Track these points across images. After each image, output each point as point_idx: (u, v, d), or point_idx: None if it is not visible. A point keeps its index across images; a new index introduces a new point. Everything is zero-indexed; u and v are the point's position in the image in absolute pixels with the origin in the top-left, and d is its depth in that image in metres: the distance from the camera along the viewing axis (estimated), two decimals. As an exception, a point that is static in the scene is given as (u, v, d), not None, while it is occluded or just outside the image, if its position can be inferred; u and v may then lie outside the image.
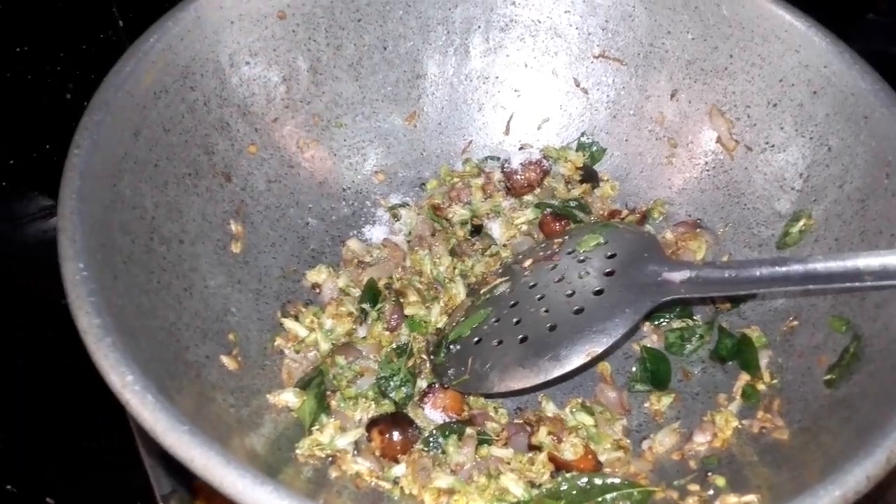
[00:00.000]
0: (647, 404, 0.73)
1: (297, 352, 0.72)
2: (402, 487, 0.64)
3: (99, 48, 0.89)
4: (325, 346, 0.72)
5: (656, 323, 0.78)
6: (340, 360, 0.71)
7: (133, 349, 0.52)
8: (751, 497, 0.55)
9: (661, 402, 0.73)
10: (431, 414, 0.71)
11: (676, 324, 0.78)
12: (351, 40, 0.83)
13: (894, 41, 1.00)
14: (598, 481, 0.62)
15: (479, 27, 0.87)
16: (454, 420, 0.70)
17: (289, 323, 0.73)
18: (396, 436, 0.67)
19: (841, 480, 0.48)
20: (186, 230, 0.70)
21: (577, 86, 0.89)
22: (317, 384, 0.68)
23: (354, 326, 0.75)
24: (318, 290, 0.78)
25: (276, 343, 0.72)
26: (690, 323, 0.77)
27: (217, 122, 0.75)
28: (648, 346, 0.76)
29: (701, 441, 0.67)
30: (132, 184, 0.64)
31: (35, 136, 0.93)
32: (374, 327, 0.74)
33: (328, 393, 0.70)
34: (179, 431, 0.47)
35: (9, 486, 0.80)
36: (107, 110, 0.63)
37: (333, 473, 0.63)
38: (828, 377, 0.64)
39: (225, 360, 0.67)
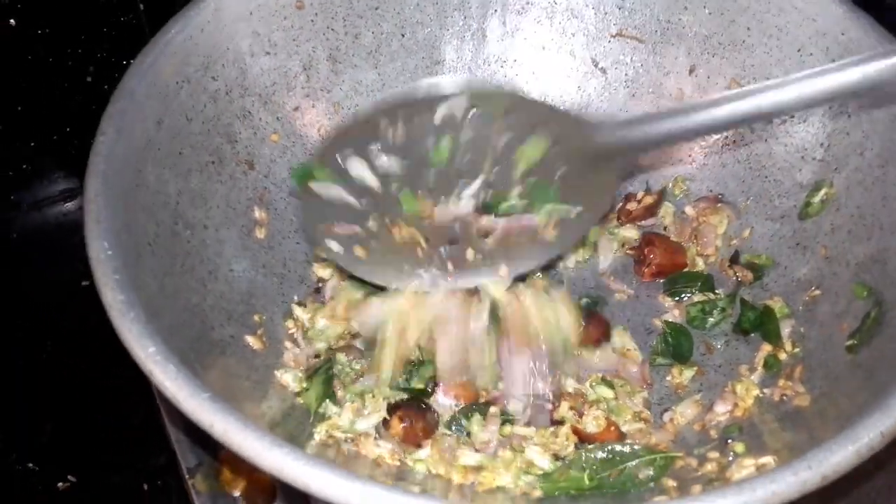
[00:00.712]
0: (668, 378, 0.73)
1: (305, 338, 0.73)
2: (428, 468, 0.65)
3: (120, 31, 0.90)
4: (320, 345, 0.72)
5: (677, 298, 0.78)
6: (341, 357, 0.71)
7: (156, 324, 0.54)
8: (767, 458, 0.55)
9: (683, 376, 0.73)
10: (444, 400, 0.70)
11: (698, 298, 0.77)
12: (369, 28, 0.85)
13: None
14: (620, 449, 0.63)
15: (496, 11, 0.88)
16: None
17: (297, 310, 0.74)
18: (418, 422, 0.66)
19: (854, 436, 0.48)
20: (210, 216, 0.72)
21: (596, 66, 0.89)
22: (325, 370, 0.69)
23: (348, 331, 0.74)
24: (321, 286, 0.78)
25: (286, 324, 0.73)
26: (712, 297, 0.77)
27: (239, 111, 0.77)
28: (670, 320, 0.76)
29: (722, 411, 0.67)
30: (156, 171, 0.67)
31: (56, 118, 0.94)
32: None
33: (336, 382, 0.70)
34: (200, 398, 0.49)
35: (31, 465, 0.82)
36: (130, 99, 0.65)
37: (354, 450, 0.64)
38: (849, 343, 0.64)
39: (250, 339, 0.68)
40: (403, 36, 0.87)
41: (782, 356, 0.70)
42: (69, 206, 1.02)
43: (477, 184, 0.67)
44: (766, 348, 0.71)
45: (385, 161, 0.66)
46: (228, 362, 0.64)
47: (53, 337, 0.93)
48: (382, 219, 0.68)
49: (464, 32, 0.89)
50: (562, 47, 0.90)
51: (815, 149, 0.76)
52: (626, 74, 0.88)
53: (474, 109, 0.64)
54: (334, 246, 0.69)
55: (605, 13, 0.87)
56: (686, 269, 0.80)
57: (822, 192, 0.75)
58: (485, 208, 0.68)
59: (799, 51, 0.77)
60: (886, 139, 0.70)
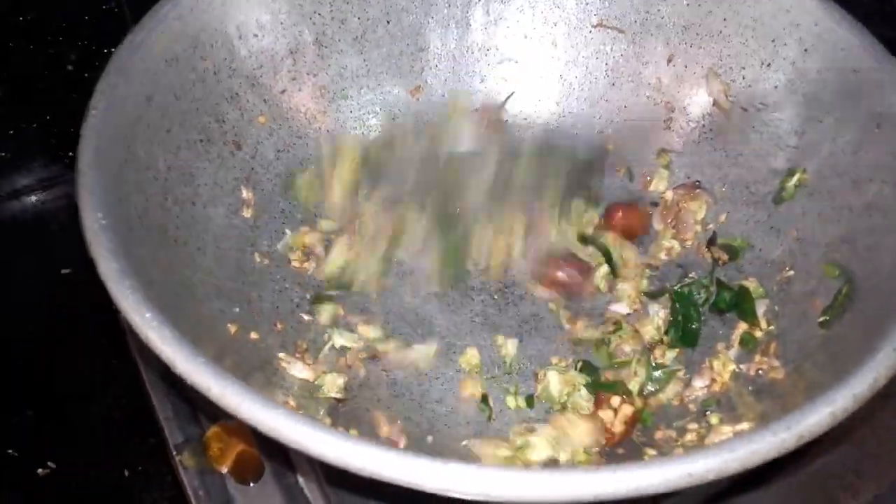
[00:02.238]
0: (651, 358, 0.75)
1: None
2: None
3: (101, 20, 0.90)
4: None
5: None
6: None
7: (151, 293, 0.54)
8: (744, 425, 0.57)
9: (665, 357, 0.74)
10: None
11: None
12: (355, 14, 0.86)
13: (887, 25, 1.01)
14: None
15: (480, 0, 0.90)
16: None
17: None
18: None
19: (830, 399, 0.50)
20: (199, 193, 0.72)
21: (577, 55, 0.91)
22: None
23: None
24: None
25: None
26: (695, 278, 0.79)
27: (227, 92, 0.78)
28: (677, 289, 0.77)
29: (700, 386, 0.69)
30: (146, 146, 0.67)
31: (35, 107, 0.94)
32: None
33: None
34: (197, 362, 0.50)
35: (10, 451, 0.82)
36: (121, 75, 0.66)
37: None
38: (821, 319, 0.66)
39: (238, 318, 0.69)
40: (389, 22, 0.88)
41: (758, 334, 0.72)
42: (47, 194, 1.01)
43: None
44: (742, 326, 0.73)
45: None
46: (218, 336, 0.64)
47: (34, 324, 0.93)
48: None
49: (448, 20, 0.90)
50: (544, 36, 0.91)
51: (789, 136, 0.79)
52: (606, 64, 0.90)
53: None
54: None
55: (587, 3, 0.89)
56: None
57: (796, 177, 0.77)
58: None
59: (773, 41, 0.80)
60: (859, 126, 0.72)
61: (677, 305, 0.76)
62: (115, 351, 0.83)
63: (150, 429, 0.76)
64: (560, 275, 0.79)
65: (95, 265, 0.55)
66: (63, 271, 0.95)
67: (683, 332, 0.74)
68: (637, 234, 0.84)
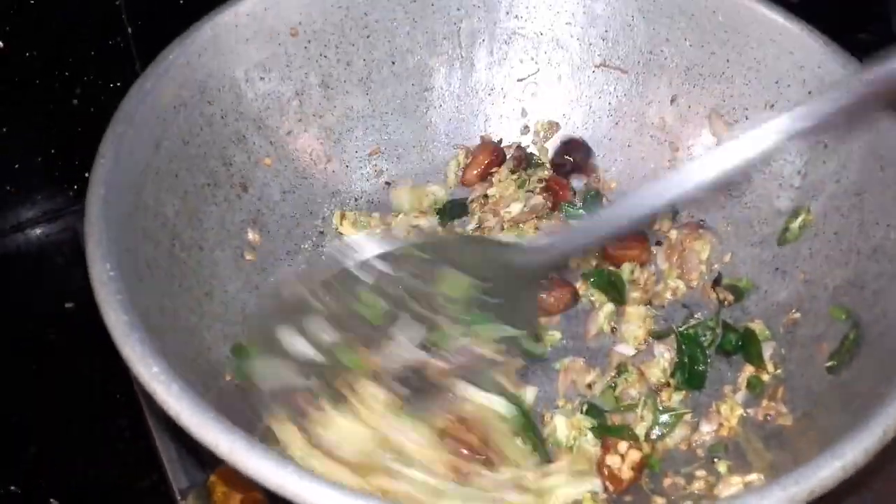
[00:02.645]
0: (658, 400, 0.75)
1: None
2: None
3: (107, 54, 0.90)
4: None
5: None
6: None
7: (158, 344, 0.54)
8: (753, 476, 0.57)
9: (672, 399, 0.74)
10: None
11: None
12: (360, 56, 0.87)
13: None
14: None
15: (484, 40, 0.91)
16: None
17: None
18: None
19: (840, 453, 0.50)
20: (206, 237, 0.73)
21: (580, 94, 0.92)
22: None
23: None
24: None
25: None
26: (701, 319, 0.79)
27: (234, 135, 0.79)
28: (682, 330, 0.77)
29: (707, 430, 0.69)
30: (154, 193, 0.68)
31: (41, 140, 0.94)
32: None
33: None
34: (205, 417, 0.50)
35: (13, 488, 0.81)
36: (129, 123, 0.66)
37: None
38: (829, 364, 0.66)
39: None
40: (394, 63, 0.89)
41: (765, 377, 0.72)
42: (52, 227, 1.01)
43: (411, 329, 0.67)
44: (749, 369, 0.73)
45: (320, 332, 0.65)
46: (225, 383, 0.64)
47: (37, 359, 0.92)
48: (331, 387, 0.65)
49: (452, 61, 0.91)
50: (547, 76, 0.92)
51: (792, 176, 0.79)
52: (609, 103, 0.91)
53: (392, 261, 0.67)
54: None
55: (590, 44, 0.90)
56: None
57: (801, 218, 0.77)
58: (428, 349, 0.67)
59: (777, 82, 0.80)
60: (862, 167, 0.73)
61: (683, 347, 0.76)
62: (118, 388, 0.82)
63: (154, 471, 0.75)
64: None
65: (103, 316, 0.55)
66: (66, 305, 0.95)
67: (690, 375, 0.74)
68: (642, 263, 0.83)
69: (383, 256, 0.67)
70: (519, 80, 0.92)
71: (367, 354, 0.66)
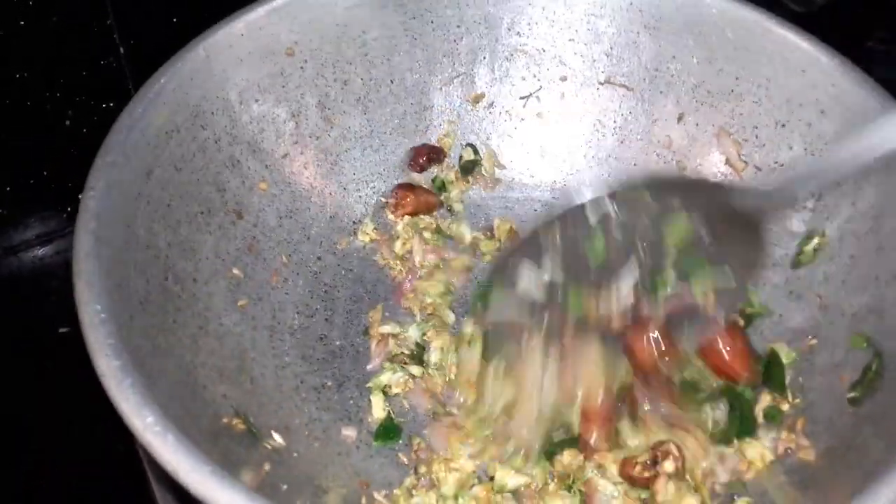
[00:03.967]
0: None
1: None
2: None
3: (100, 75, 0.88)
4: None
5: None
6: None
7: (152, 390, 0.51)
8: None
9: None
10: None
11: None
12: (358, 75, 0.84)
13: (894, 68, 1.00)
14: None
15: (485, 58, 0.88)
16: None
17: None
18: None
19: (872, 498, 0.47)
20: (200, 269, 0.70)
21: (584, 112, 0.89)
22: None
23: None
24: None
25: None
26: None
27: (228, 160, 0.76)
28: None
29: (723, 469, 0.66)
30: (146, 224, 0.65)
31: (33, 162, 0.93)
32: None
33: None
34: (203, 473, 0.47)
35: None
36: (120, 151, 0.63)
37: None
38: (851, 395, 0.64)
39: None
40: (392, 82, 0.86)
41: (784, 407, 0.69)
42: (45, 250, 0.99)
43: (634, 272, 0.68)
44: (766, 399, 0.70)
45: (550, 270, 0.69)
46: (221, 423, 0.61)
47: (30, 385, 0.90)
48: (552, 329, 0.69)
49: (452, 78, 0.88)
50: (550, 93, 0.90)
51: (806, 198, 0.77)
52: (614, 121, 0.88)
53: (619, 203, 0.69)
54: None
55: (594, 61, 0.88)
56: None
57: (815, 240, 0.75)
58: (644, 294, 0.69)
59: (788, 101, 0.78)
60: (879, 190, 0.70)
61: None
62: (114, 416, 0.80)
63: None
64: None
65: (93, 362, 0.52)
66: (61, 330, 0.93)
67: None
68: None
69: (612, 196, 0.68)
70: (521, 98, 0.90)
71: (588, 296, 0.69)
